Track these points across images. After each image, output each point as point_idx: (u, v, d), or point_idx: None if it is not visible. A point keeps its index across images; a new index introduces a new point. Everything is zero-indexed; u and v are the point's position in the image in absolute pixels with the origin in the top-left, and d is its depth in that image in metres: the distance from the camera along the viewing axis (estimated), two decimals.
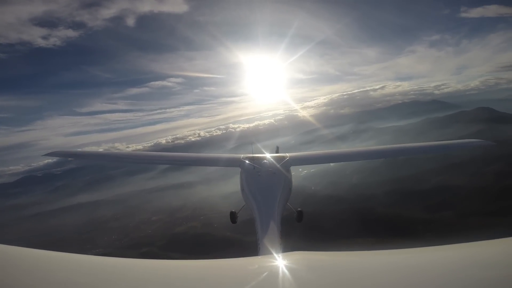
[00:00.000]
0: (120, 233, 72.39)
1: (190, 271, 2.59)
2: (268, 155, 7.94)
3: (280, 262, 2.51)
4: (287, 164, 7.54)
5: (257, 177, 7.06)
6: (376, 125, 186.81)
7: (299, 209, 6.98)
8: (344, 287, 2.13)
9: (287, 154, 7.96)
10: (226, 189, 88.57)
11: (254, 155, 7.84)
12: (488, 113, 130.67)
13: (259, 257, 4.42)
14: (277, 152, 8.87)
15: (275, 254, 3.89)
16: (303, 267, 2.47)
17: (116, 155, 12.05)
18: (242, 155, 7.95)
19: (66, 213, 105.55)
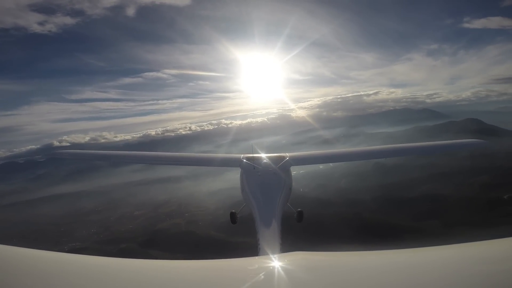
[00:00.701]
0: (100, 226, 69.72)
1: (190, 271, 2.58)
2: (268, 155, 7.94)
3: (280, 262, 2.52)
4: (287, 164, 7.51)
5: (257, 177, 7.01)
6: (367, 130, 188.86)
7: (299, 209, 6.92)
8: (344, 287, 2.16)
9: (287, 154, 7.95)
10: (214, 186, 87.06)
11: (254, 155, 7.79)
12: (476, 125, 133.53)
13: (259, 257, 4.41)
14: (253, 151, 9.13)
15: (275, 254, 3.95)
16: (304, 267, 2.46)
17: (119, 155, 11.81)
18: (242, 155, 7.96)
19: (45, 204, 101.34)
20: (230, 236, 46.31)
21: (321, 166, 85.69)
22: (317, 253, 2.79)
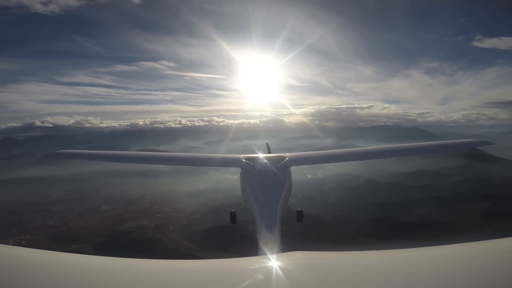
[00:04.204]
0: (60, 219, 62.55)
1: (190, 271, 2.59)
2: (268, 155, 8.16)
3: (280, 262, 2.53)
4: (287, 164, 7.58)
5: (257, 177, 7.06)
6: (356, 143, 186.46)
7: (299, 209, 7.10)
8: (344, 287, 2.15)
9: (287, 154, 8.06)
10: (195, 186, 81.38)
11: (254, 155, 7.89)
12: (466, 149, 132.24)
13: (259, 256, 4.46)
14: (268, 149, 9.57)
15: (275, 254, 3.94)
16: (303, 267, 2.47)
17: (120, 155, 11.34)
18: (242, 155, 8.02)
19: (10, 187, 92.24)
20: (201, 249, 40.72)
21: (309, 175, 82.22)
22: (316, 253, 2.73)
